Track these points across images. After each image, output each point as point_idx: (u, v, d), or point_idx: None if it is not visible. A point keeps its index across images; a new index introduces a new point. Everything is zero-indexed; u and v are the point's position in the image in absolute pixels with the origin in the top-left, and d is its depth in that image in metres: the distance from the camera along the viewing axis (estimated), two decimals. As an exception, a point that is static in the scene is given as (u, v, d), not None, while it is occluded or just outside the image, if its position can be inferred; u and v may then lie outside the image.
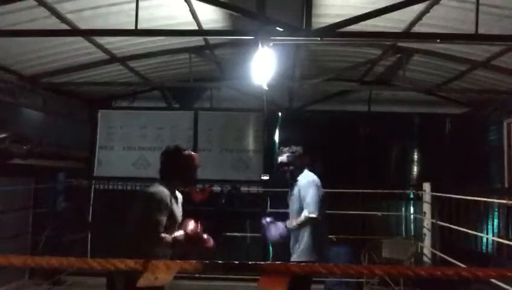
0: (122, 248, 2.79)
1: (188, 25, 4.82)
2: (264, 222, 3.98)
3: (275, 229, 3.89)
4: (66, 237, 6.31)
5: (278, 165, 4.04)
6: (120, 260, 1.45)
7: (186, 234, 2.86)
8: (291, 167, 3.91)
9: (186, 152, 3.01)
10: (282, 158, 3.95)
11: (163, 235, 2.78)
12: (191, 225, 2.93)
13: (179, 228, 2.92)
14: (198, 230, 2.92)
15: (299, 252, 3.76)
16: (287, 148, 4.01)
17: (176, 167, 2.94)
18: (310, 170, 3.99)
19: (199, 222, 2.98)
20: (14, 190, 5.72)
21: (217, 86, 7.60)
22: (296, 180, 3.90)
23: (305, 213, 3.71)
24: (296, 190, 3.86)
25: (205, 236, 2.95)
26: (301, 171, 3.94)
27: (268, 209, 6.55)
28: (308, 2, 3.80)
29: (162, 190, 2.82)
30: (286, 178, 3.98)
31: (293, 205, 3.88)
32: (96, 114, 7.72)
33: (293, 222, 3.80)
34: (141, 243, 2.72)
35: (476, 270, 1.45)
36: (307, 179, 3.86)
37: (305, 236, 3.75)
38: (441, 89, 6.91)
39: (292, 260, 3.79)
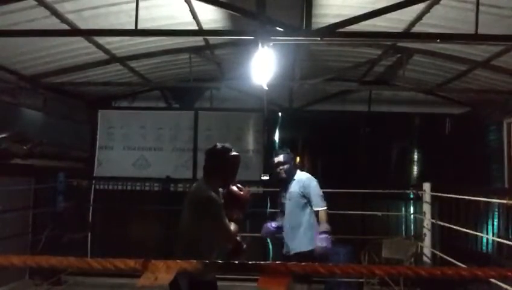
0: (185, 250, 2.86)
1: (188, 25, 4.82)
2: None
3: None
4: (66, 237, 6.31)
5: (275, 165, 4.32)
6: (120, 259, 1.45)
7: (239, 209, 3.05)
8: (286, 166, 4.24)
9: (235, 153, 3.07)
10: (279, 158, 4.27)
11: (231, 228, 2.93)
12: (237, 195, 3.08)
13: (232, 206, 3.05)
14: (242, 193, 3.10)
15: (307, 240, 4.09)
16: (281, 150, 4.38)
17: (223, 167, 3.00)
18: (301, 170, 4.43)
19: (237, 186, 3.12)
20: (14, 189, 5.72)
21: (217, 86, 7.60)
22: (293, 179, 4.25)
23: (316, 209, 4.12)
24: (296, 187, 4.20)
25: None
26: (295, 171, 4.33)
27: (269, 210, 6.55)
28: (308, 2, 3.80)
29: (212, 192, 2.89)
30: (281, 177, 4.31)
31: (293, 200, 4.20)
32: (96, 114, 7.72)
33: (325, 225, 4.08)
34: (216, 244, 2.88)
35: (476, 270, 1.45)
36: (306, 176, 4.27)
37: (310, 227, 4.12)
38: (441, 89, 6.90)
39: (299, 250, 4.11)
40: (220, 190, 3.07)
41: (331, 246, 4.04)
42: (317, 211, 4.13)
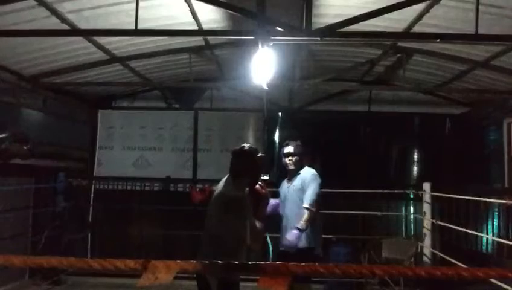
0: (215, 248, 2.95)
1: (188, 25, 4.82)
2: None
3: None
4: (66, 237, 6.31)
5: (284, 154, 4.22)
6: (120, 260, 1.45)
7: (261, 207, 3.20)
8: (295, 158, 4.16)
9: (260, 154, 3.18)
10: (289, 149, 4.18)
11: (257, 225, 3.06)
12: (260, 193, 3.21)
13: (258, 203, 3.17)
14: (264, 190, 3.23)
15: (306, 237, 3.98)
16: (292, 141, 4.26)
17: (252, 167, 3.10)
18: (309, 166, 4.29)
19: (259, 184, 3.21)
20: (14, 190, 5.72)
21: (217, 86, 7.60)
22: (299, 173, 4.17)
23: (305, 205, 3.96)
24: (298, 182, 4.11)
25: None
26: (303, 165, 4.22)
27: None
28: (308, 2, 3.80)
29: (242, 192, 3.01)
30: (289, 169, 4.21)
31: (293, 195, 4.12)
32: (96, 114, 7.72)
33: (302, 223, 3.90)
34: (245, 242, 2.99)
35: (476, 270, 1.45)
36: (311, 173, 4.15)
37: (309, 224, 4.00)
38: (441, 89, 6.91)
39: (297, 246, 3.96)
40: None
41: (297, 243, 3.86)
42: (304, 207, 3.99)
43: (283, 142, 4.43)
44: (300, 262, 1.67)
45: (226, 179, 3.11)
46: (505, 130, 6.11)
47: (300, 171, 4.18)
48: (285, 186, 4.31)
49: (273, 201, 4.14)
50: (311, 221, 3.96)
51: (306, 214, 3.93)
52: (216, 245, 2.93)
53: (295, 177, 4.17)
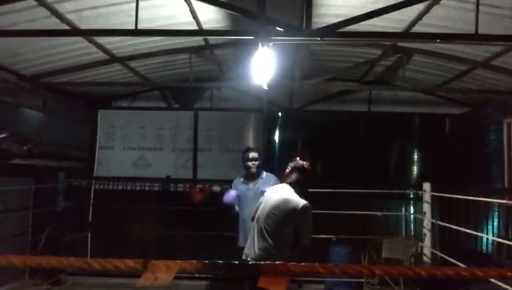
0: (271, 247, 3.47)
1: (188, 25, 4.82)
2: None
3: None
4: (66, 237, 6.31)
5: (249, 159, 4.74)
6: (120, 259, 1.45)
7: None
8: (258, 163, 4.73)
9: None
10: (254, 154, 4.76)
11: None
12: None
13: None
14: None
15: None
16: (254, 148, 5.05)
17: (307, 180, 3.77)
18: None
19: None
20: (14, 190, 5.72)
21: (217, 86, 7.60)
22: (261, 177, 4.74)
23: None
24: (266, 184, 4.51)
25: None
26: (262, 169, 4.82)
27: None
28: (308, 2, 3.81)
29: None
30: (251, 172, 4.74)
31: (256, 197, 4.35)
32: (96, 114, 7.71)
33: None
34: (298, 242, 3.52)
35: (476, 270, 1.45)
36: (273, 176, 4.74)
37: None
38: (441, 89, 6.90)
39: None
40: None
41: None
42: None
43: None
44: None
45: (286, 187, 3.63)
46: (505, 130, 6.11)
47: (263, 176, 4.75)
48: (244, 188, 4.73)
49: (232, 191, 4.72)
50: None
51: None
52: (274, 243, 3.40)
53: (256, 180, 4.69)
